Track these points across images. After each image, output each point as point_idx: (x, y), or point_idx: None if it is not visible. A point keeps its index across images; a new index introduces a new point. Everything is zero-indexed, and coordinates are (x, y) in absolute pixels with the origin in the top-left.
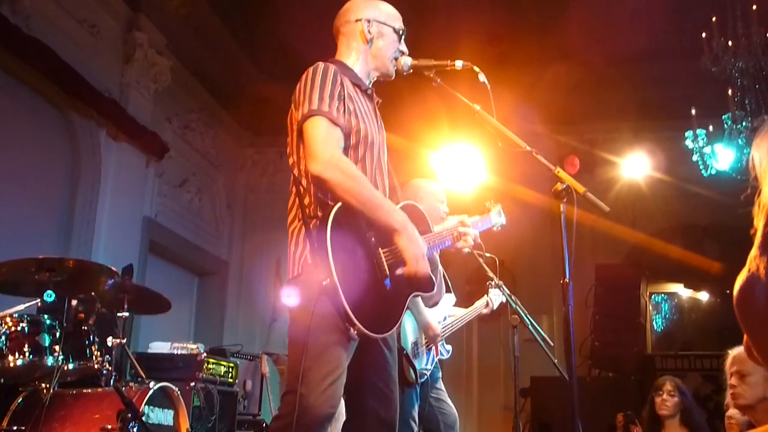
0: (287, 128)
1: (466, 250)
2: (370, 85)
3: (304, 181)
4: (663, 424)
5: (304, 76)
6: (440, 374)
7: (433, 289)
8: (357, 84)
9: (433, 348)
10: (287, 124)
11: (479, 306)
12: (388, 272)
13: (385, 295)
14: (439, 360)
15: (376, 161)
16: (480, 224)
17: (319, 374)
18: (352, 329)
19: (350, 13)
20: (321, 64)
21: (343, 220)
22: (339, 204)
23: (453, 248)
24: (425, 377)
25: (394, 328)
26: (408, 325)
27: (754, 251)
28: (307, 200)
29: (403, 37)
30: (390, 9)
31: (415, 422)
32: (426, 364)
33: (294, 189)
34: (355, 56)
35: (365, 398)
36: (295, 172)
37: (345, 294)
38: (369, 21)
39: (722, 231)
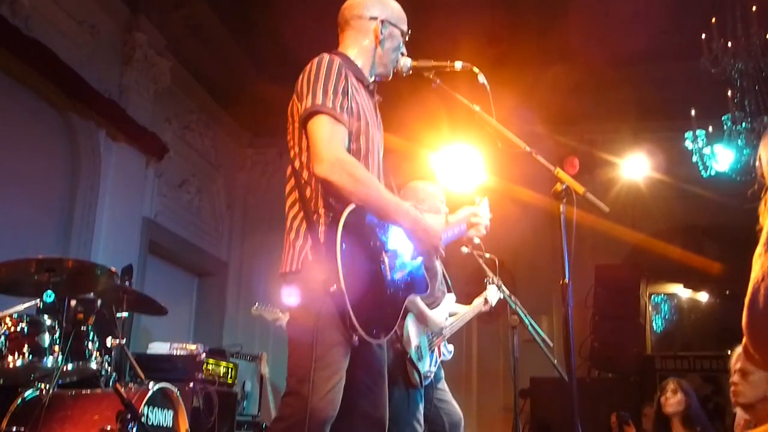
0: (288, 120)
1: (465, 250)
2: (372, 82)
3: (305, 173)
4: (669, 424)
5: (308, 67)
6: (443, 374)
7: (427, 291)
8: (360, 79)
9: (436, 349)
10: (288, 115)
11: (478, 304)
12: (389, 276)
13: (386, 299)
14: (441, 361)
15: (377, 159)
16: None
17: (323, 377)
18: (354, 336)
19: (363, 8)
20: (326, 56)
21: (352, 225)
22: (350, 207)
23: (465, 236)
24: (429, 379)
25: (393, 331)
26: (411, 328)
27: (759, 249)
28: (308, 193)
29: (406, 39)
30: (400, 10)
31: (420, 424)
32: (429, 366)
33: (293, 180)
34: (361, 52)
35: (355, 397)
36: (296, 164)
37: (351, 302)
38: (383, 22)
39: (722, 231)
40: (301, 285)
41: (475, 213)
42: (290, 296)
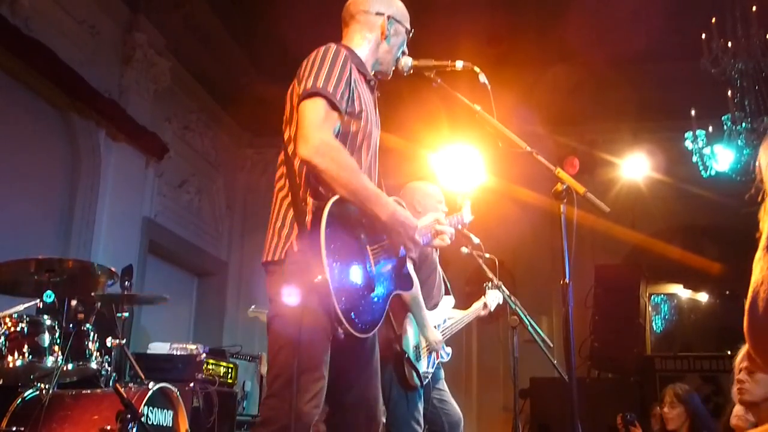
0: (285, 105)
1: (465, 250)
2: (373, 77)
3: (296, 161)
4: None
5: (314, 53)
6: (443, 375)
7: (411, 287)
8: (362, 73)
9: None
10: (286, 100)
11: (477, 308)
12: (374, 270)
13: (371, 292)
14: (439, 362)
15: (372, 154)
16: (454, 221)
17: (310, 379)
18: (339, 329)
19: (369, 4)
20: (333, 45)
21: (337, 216)
22: (334, 198)
23: (429, 246)
24: (427, 380)
25: (378, 327)
26: (409, 328)
27: (759, 253)
28: (298, 180)
29: (409, 37)
30: (404, 8)
31: (419, 424)
32: (428, 367)
33: (284, 167)
34: (365, 47)
35: (343, 389)
36: (289, 149)
37: (336, 293)
38: (389, 18)
39: (722, 232)
40: (284, 277)
41: (439, 220)
42: (272, 287)
